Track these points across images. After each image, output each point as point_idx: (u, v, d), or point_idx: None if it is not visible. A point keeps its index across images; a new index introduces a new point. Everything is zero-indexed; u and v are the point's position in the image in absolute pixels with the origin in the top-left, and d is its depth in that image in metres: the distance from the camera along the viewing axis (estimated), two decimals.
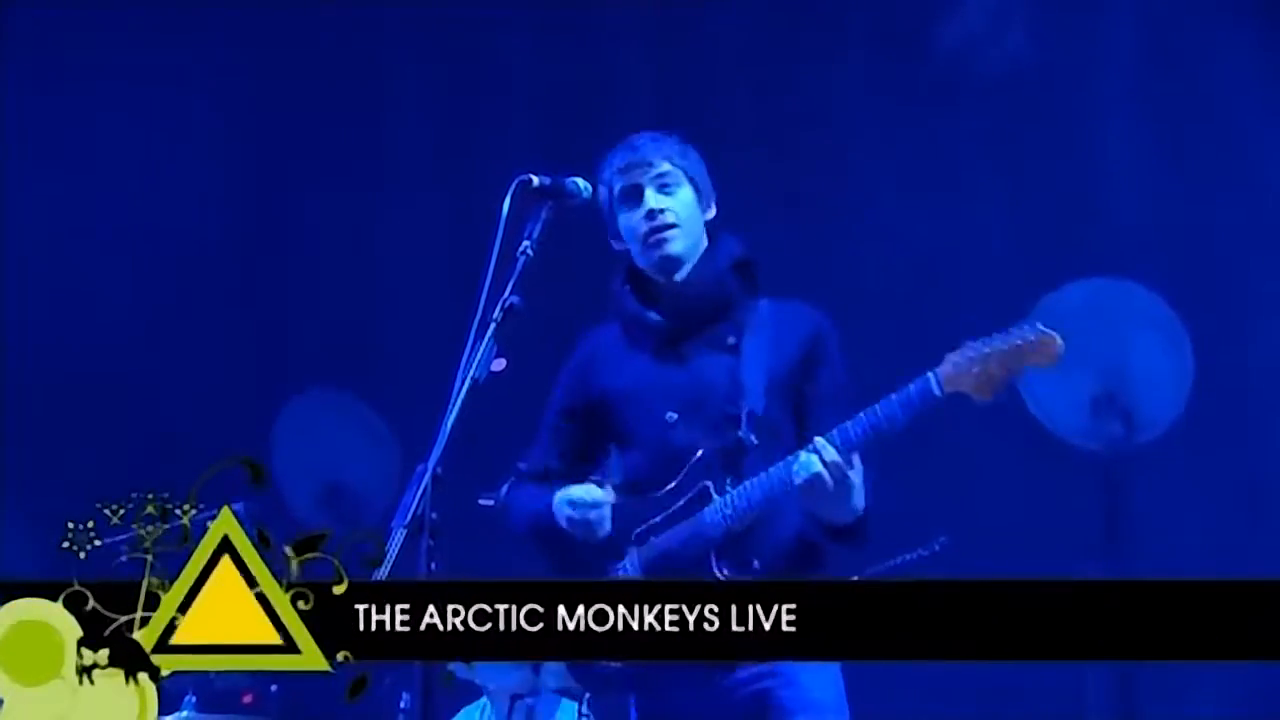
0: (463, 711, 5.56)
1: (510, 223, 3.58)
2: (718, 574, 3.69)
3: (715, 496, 3.75)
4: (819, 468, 3.55)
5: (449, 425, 3.37)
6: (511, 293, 3.53)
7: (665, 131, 4.00)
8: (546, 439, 4.07)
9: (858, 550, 3.79)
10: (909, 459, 6.25)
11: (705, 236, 3.95)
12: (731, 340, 3.87)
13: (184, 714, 5.50)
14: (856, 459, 3.58)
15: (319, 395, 6.80)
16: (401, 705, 5.64)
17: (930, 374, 3.54)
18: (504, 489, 4.06)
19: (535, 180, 3.67)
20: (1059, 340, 3.43)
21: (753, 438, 3.75)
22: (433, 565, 3.25)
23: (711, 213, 3.98)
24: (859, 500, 3.61)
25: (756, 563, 3.73)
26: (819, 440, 3.58)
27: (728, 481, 3.75)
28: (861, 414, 3.59)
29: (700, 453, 3.81)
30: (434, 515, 3.28)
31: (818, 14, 6.65)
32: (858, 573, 5.47)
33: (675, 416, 3.83)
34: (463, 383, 3.41)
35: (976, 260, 6.44)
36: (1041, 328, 3.46)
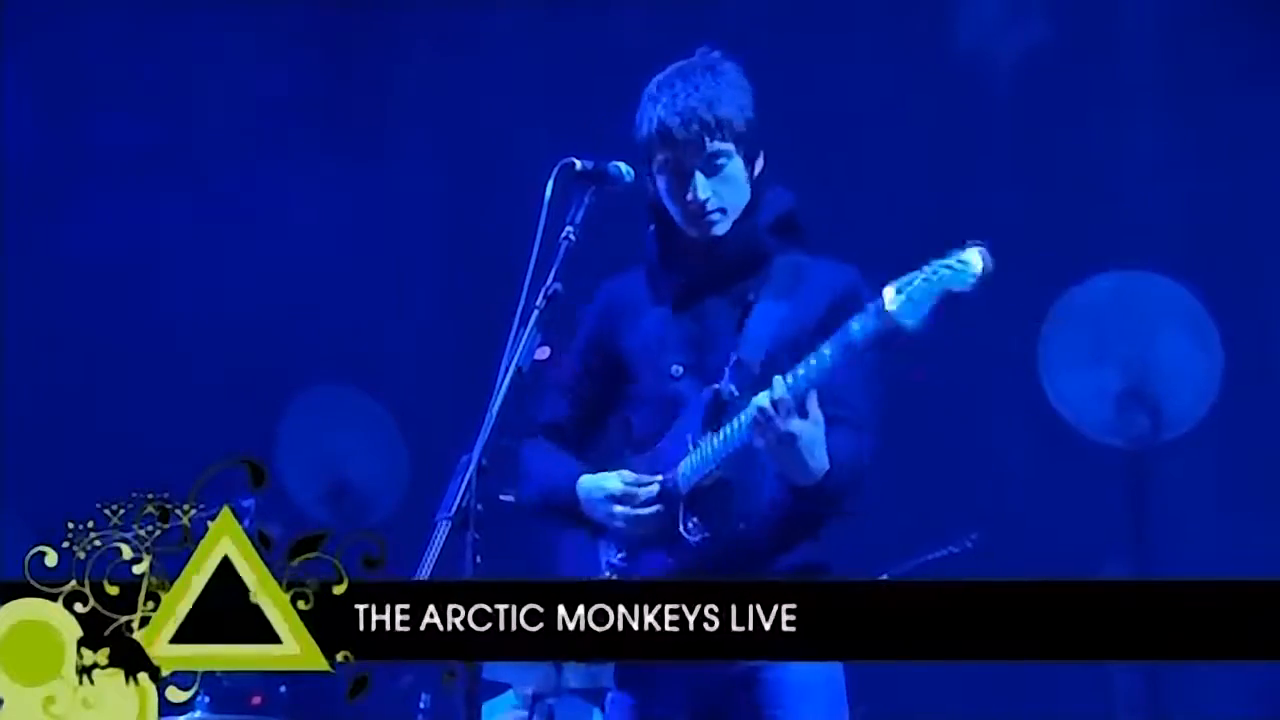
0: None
1: (553, 207, 3.58)
2: (684, 532, 3.64)
3: (690, 450, 3.68)
4: (764, 403, 3.45)
5: (493, 415, 3.39)
6: (554, 279, 3.52)
7: (712, 65, 3.82)
8: (564, 390, 3.98)
9: (826, 514, 3.65)
10: (931, 455, 6.37)
11: (749, 192, 3.82)
12: (751, 296, 3.78)
13: (196, 714, 5.57)
14: (815, 411, 3.46)
15: (324, 391, 6.84)
16: (421, 706, 5.70)
17: (870, 303, 3.40)
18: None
19: (578, 164, 3.65)
20: (982, 255, 3.32)
21: (733, 389, 3.64)
22: (477, 559, 3.28)
23: (759, 168, 3.84)
24: (815, 459, 3.50)
25: (742, 525, 3.64)
26: (776, 379, 3.48)
27: (705, 435, 3.67)
28: (810, 355, 3.47)
29: (690, 405, 3.73)
30: (479, 507, 3.30)
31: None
32: (887, 570, 5.54)
33: (681, 370, 3.76)
34: (506, 371, 3.42)
35: (1000, 252, 6.46)
36: (969, 246, 3.34)
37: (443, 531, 3.26)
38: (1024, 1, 6.56)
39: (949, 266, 3.33)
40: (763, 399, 3.46)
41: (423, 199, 6.99)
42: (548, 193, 3.57)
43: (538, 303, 3.49)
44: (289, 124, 7.02)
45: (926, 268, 3.35)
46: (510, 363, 3.42)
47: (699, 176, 3.75)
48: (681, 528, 3.65)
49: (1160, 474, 6.42)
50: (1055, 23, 6.57)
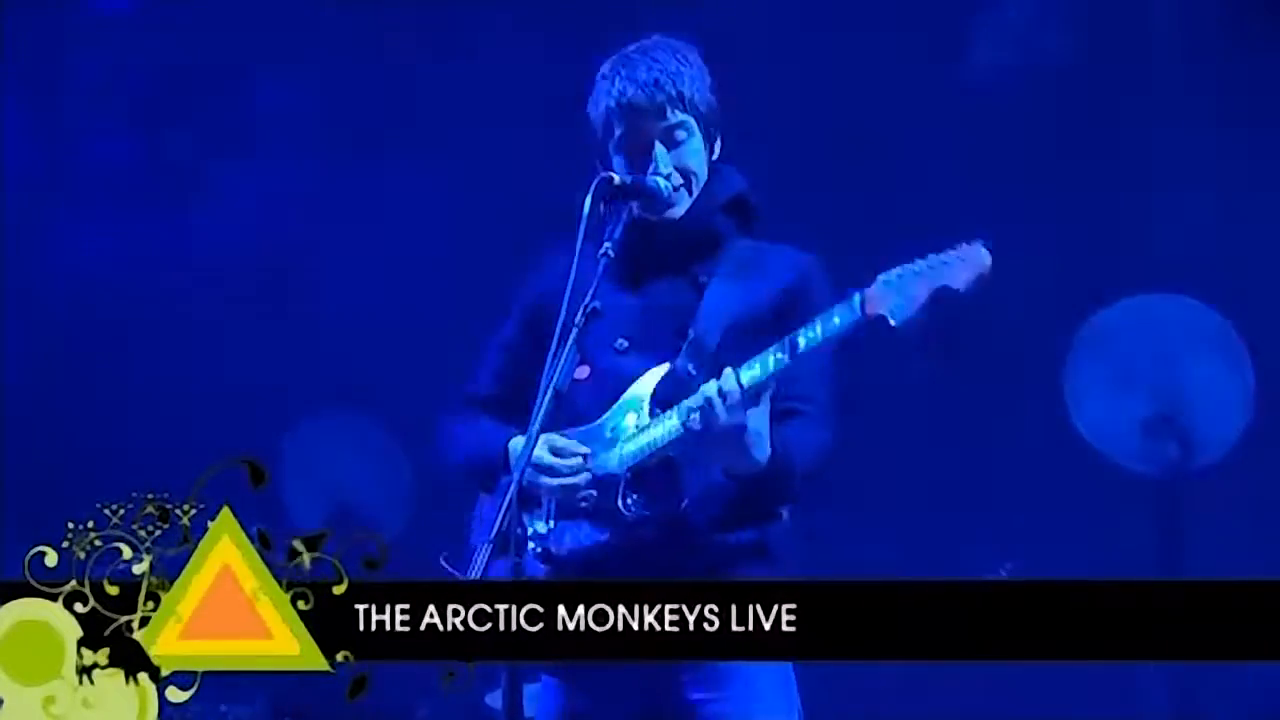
0: None
1: (591, 222, 3.57)
2: (622, 509, 3.61)
3: (635, 427, 3.66)
4: (711, 393, 3.43)
5: (534, 436, 3.40)
6: (594, 297, 3.52)
7: (674, 47, 3.83)
8: (496, 362, 3.94)
9: (773, 500, 3.64)
10: (955, 484, 6.42)
11: (707, 174, 3.84)
12: (703, 278, 3.78)
13: None
14: (765, 403, 3.46)
15: (326, 415, 6.90)
16: None
17: (856, 293, 3.37)
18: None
19: (616, 179, 3.66)
20: (984, 252, 3.28)
21: (690, 367, 3.64)
22: None
23: (717, 152, 3.87)
24: (758, 449, 3.49)
25: (685, 501, 3.62)
26: (726, 369, 3.46)
27: (654, 411, 3.64)
28: (778, 344, 3.44)
29: (637, 381, 3.70)
30: (520, 531, 3.35)
31: (854, 16, 6.72)
32: None
33: (626, 344, 3.75)
34: (546, 392, 3.42)
35: (1024, 274, 6.50)
36: (970, 244, 3.30)
37: (483, 556, 3.29)
38: (1047, 12, 6.58)
39: (946, 261, 3.31)
40: (711, 388, 3.46)
41: (427, 211, 7.03)
42: (586, 207, 3.58)
43: (576, 320, 3.50)
44: (290, 133, 7.09)
45: (921, 261, 3.33)
46: (549, 383, 3.43)
47: (659, 148, 3.76)
48: (620, 503, 3.63)
49: (1192, 502, 6.45)
50: (1080, 34, 6.58)
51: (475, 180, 6.90)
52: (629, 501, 3.64)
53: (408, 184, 7.05)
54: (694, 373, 3.64)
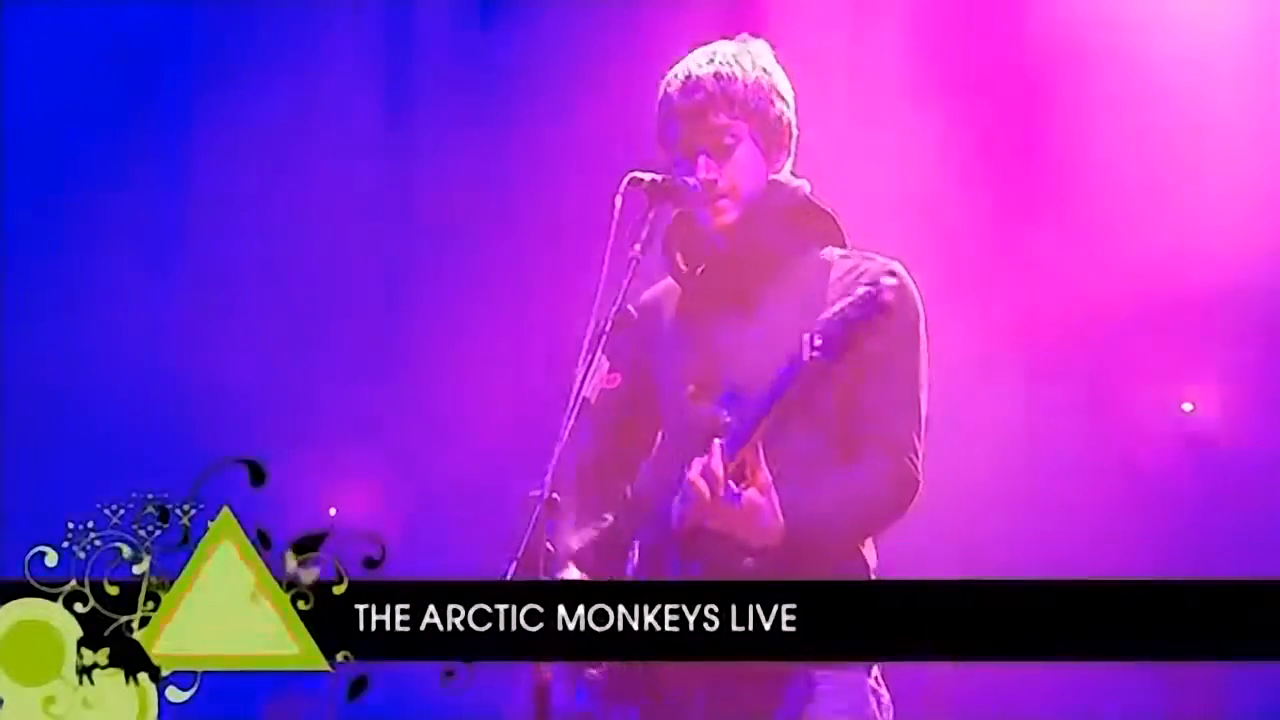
0: None
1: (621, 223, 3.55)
2: (681, 574, 3.54)
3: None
4: (693, 477, 3.39)
5: (561, 447, 3.37)
6: (623, 300, 3.47)
7: (740, 49, 3.72)
8: (595, 417, 3.67)
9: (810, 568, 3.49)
10: (984, 487, 6.45)
11: (765, 181, 3.72)
12: (767, 300, 3.66)
13: None
14: (763, 473, 3.39)
15: (329, 415, 6.95)
16: None
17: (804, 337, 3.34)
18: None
19: (647, 179, 3.59)
20: (890, 284, 3.31)
21: (725, 413, 3.52)
22: None
23: (782, 164, 3.75)
24: (766, 520, 3.43)
25: (749, 561, 3.49)
26: (715, 442, 3.41)
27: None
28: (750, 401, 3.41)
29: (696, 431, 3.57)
30: (550, 547, 3.35)
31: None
32: None
33: (694, 389, 3.66)
34: (575, 400, 3.40)
35: (1057, 274, 6.52)
36: (882, 279, 3.33)
37: (510, 575, 3.29)
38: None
39: (861, 297, 3.32)
40: (695, 471, 3.42)
41: (428, 210, 7.08)
42: (617, 208, 3.53)
43: (605, 326, 3.45)
44: (294, 133, 7.16)
45: (842, 301, 3.36)
46: (578, 391, 3.40)
47: (701, 156, 3.67)
48: (680, 571, 3.56)
49: (1227, 509, 6.47)
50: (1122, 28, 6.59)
51: (476, 179, 6.97)
52: (679, 565, 3.57)
53: (408, 184, 7.11)
54: (727, 418, 3.53)
